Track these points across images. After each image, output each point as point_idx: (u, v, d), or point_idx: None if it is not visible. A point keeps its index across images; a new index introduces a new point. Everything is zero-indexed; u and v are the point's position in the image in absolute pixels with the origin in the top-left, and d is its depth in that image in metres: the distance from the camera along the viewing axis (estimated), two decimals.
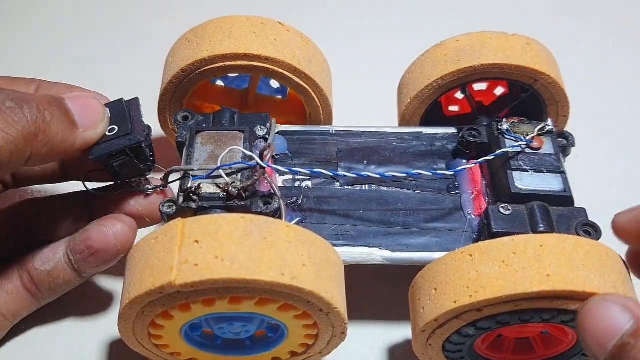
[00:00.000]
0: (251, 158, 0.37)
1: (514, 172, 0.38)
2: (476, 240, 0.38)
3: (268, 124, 0.41)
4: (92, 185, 0.38)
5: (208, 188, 0.36)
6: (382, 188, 0.40)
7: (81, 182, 0.38)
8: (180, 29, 0.44)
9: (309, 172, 0.38)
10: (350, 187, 0.40)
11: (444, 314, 0.32)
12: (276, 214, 0.36)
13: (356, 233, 0.38)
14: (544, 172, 0.39)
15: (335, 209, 0.39)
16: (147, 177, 0.38)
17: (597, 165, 0.51)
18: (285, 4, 0.65)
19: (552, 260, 0.31)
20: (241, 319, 0.34)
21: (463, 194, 0.40)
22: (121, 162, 0.36)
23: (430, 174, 0.38)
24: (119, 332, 0.34)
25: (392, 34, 0.63)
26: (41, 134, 0.32)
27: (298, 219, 0.38)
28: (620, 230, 0.33)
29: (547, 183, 0.38)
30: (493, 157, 0.38)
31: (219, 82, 0.47)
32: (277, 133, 0.42)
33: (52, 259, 0.37)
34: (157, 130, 0.44)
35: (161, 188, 0.39)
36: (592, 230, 0.36)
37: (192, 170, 0.37)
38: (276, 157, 0.41)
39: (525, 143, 0.39)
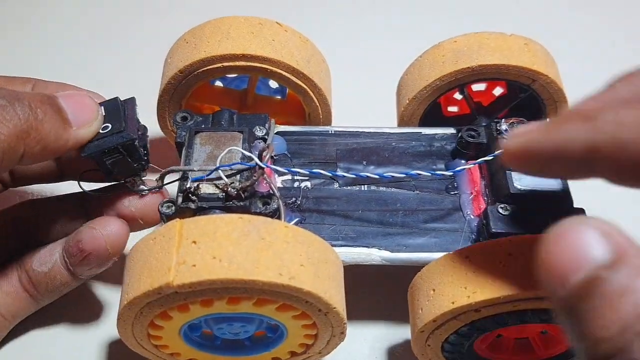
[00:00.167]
0: (250, 158, 0.37)
1: (512, 173, 0.38)
2: (475, 241, 0.38)
3: (267, 125, 0.41)
4: (88, 186, 0.38)
5: (207, 188, 0.36)
6: (381, 188, 0.40)
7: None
8: (179, 30, 0.44)
9: (308, 172, 0.38)
10: (349, 188, 0.40)
11: (442, 314, 0.32)
12: (275, 214, 0.36)
13: (355, 233, 0.38)
14: None
15: (334, 209, 0.39)
16: (143, 178, 0.38)
17: None
18: (284, 4, 0.65)
19: None
20: (240, 320, 0.34)
21: (462, 195, 0.40)
22: (114, 160, 0.36)
23: (429, 174, 0.38)
24: (118, 333, 0.34)
25: (392, 34, 0.63)
26: (33, 132, 0.32)
27: (297, 219, 0.38)
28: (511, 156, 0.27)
29: (546, 183, 0.38)
30: (492, 157, 0.38)
31: (218, 83, 0.47)
32: (276, 133, 0.42)
33: (49, 260, 0.37)
34: (156, 131, 0.44)
35: (156, 189, 0.38)
36: None
37: (191, 170, 0.37)
38: (275, 157, 0.41)
39: None
